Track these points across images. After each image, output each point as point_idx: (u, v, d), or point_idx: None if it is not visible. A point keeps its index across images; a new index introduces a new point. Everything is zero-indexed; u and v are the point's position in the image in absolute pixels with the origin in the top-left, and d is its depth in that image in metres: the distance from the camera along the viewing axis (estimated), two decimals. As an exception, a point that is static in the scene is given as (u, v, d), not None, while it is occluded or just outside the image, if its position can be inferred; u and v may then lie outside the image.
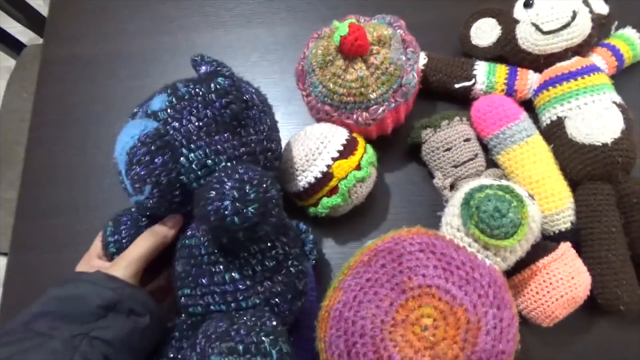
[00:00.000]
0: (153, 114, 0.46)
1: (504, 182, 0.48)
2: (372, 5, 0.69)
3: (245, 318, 0.42)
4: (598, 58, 0.62)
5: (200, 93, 0.46)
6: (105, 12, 0.80)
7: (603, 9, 0.62)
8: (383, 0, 0.74)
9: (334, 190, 0.56)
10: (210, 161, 0.45)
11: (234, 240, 0.43)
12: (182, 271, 0.47)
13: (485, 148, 0.62)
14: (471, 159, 0.59)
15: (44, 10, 0.92)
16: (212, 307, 0.45)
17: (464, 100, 0.65)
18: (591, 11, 0.59)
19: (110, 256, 0.50)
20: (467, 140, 0.60)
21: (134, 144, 0.43)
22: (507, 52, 0.63)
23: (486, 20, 0.66)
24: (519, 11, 0.61)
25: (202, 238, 0.47)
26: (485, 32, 0.65)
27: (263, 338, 0.39)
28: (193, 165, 0.45)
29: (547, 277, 0.51)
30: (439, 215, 0.51)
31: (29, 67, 1.05)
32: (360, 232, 0.62)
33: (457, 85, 0.64)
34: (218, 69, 0.48)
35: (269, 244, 0.46)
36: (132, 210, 0.52)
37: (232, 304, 0.45)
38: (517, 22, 0.61)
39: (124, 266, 0.45)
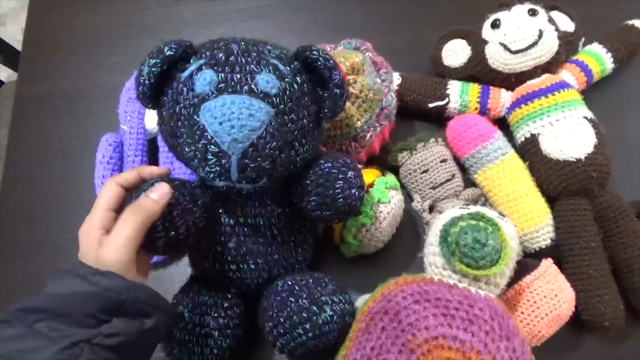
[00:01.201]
0: (265, 96, 0.43)
1: (472, 209, 0.48)
2: (342, 30, 0.70)
3: (307, 275, 0.51)
4: (567, 74, 0.63)
5: (306, 80, 0.46)
6: (81, 47, 0.79)
7: (569, 26, 0.63)
8: (352, 26, 0.75)
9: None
10: (309, 154, 0.48)
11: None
12: (245, 249, 0.50)
13: (463, 168, 0.62)
14: (449, 180, 0.60)
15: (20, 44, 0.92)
16: (274, 277, 0.52)
17: (439, 119, 0.66)
18: (557, 29, 0.60)
19: (157, 252, 0.46)
20: (443, 161, 0.60)
21: (262, 134, 0.41)
22: (478, 71, 0.64)
23: (456, 42, 0.67)
24: (487, 32, 0.62)
25: (272, 219, 0.51)
26: (456, 52, 0.66)
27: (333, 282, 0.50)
28: (298, 159, 0.46)
29: (531, 295, 0.51)
30: (420, 256, 0.51)
31: (8, 105, 1.04)
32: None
33: (431, 105, 0.65)
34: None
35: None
36: (179, 193, 0.46)
37: (289, 271, 0.53)
38: (486, 42, 0.62)
39: (114, 251, 0.40)
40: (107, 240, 0.41)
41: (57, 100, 0.75)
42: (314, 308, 0.46)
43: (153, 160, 0.66)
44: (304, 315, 0.46)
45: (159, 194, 0.44)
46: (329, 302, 0.47)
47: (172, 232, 0.44)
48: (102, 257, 0.40)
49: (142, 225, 0.42)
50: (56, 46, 0.80)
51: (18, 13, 1.53)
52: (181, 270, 0.62)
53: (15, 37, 1.04)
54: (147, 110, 0.67)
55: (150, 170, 0.49)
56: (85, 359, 0.36)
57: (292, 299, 0.47)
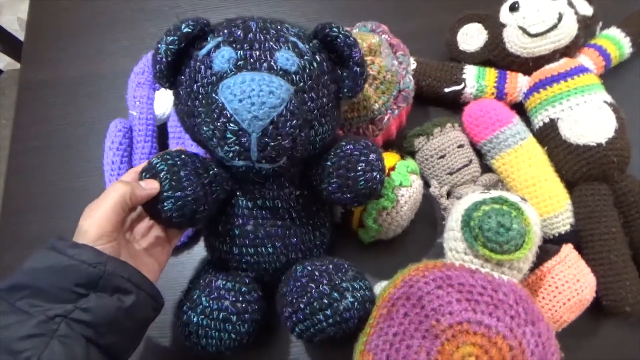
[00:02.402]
0: (285, 73, 0.42)
1: (494, 194, 0.47)
2: (355, 15, 0.68)
3: (327, 260, 0.50)
4: (585, 59, 0.62)
5: (325, 58, 0.45)
6: (84, 33, 0.78)
7: (587, 10, 0.63)
8: (366, 10, 0.74)
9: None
10: (329, 135, 0.48)
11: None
12: (263, 232, 0.49)
13: (479, 153, 0.61)
14: (466, 165, 0.59)
15: (20, 35, 0.90)
16: (291, 261, 0.51)
17: (454, 105, 0.65)
18: (576, 12, 0.59)
19: (166, 215, 0.44)
20: (460, 146, 0.59)
21: (282, 112, 0.40)
22: (495, 56, 0.63)
23: (472, 26, 0.65)
24: (505, 15, 0.61)
25: (291, 202, 0.50)
26: (472, 37, 0.65)
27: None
28: (317, 139, 0.46)
29: (552, 281, 0.50)
30: (438, 243, 0.51)
31: (8, 94, 1.03)
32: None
33: (446, 90, 0.64)
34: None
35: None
36: (189, 158, 0.46)
37: (307, 257, 0.52)
38: (503, 26, 0.61)
39: (90, 223, 0.40)
40: (86, 210, 0.42)
41: (62, 88, 0.74)
42: (335, 294, 0.45)
43: (163, 146, 0.65)
44: (325, 301, 0.45)
45: (149, 186, 0.44)
46: (350, 288, 0.46)
47: (179, 192, 0.43)
48: (81, 227, 0.40)
49: (121, 201, 0.41)
50: (60, 32, 0.78)
51: (14, 2, 1.50)
52: (194, 258, 0.61)
53: (11, 26, 1.01)
54: (156, 95, 0.65)
55: None
56: (62, 333, 0.36)
57: (313, 285, 0.46)
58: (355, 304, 0.46)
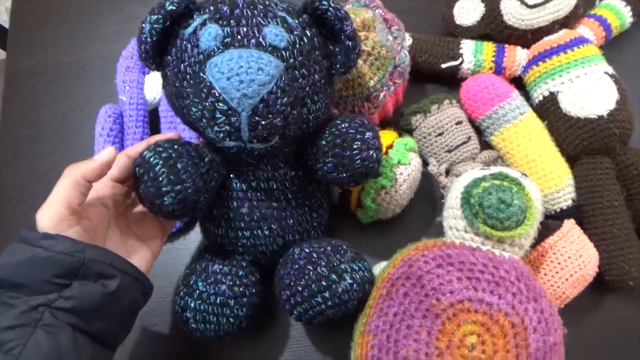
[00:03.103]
0: (274, 49, 0.41)
1: (494, 170, 0.46)
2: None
3: (325, 242, 0.48)
4: (585, 29, 0.60)
5: (316, 33, 0.44)
6: (71, 18, 0.76)
7: (587, -21, 0.61)
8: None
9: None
10: (322, 113, 0.46)
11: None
12: (258, 214, 0.48)
13: (478, 130, 0.60)
14: (464, 142, 0.58)
15: (7, 24, 0.88)
16: (289, 243, 0.50)
17: (452, 81, 0.64)
18: (576, -19, 0.58)
19: (167, 210, 0.43)
20: (458, 123, 0.58)
21: (272, 89, 0.39)
22: (492, 29, 0.61)
23: (469, -1, 0.64)
24: (502, -14, 0.59)
25: (286, 183, 0.49)
26: (468, 10, 0.63)
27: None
28: (311, 117, 0.45)
29: (555, 257, 0.49)
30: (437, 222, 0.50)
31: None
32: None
33: (444, 65, 0.62)
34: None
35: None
36: (183, 148, 0.44)
37: (304, 239, 0.51)
38: (501, -3, 0.59)
39: (43, 209, 0.39)
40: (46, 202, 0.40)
41: (50, 74, 0.73)
42: (333, 276, 0.45)
43: (155, 131, 0.64)
44: (323, 283, 0.44)
45: (100, 154, 0.41)
46: (349, 270, 0.45)
47: (178, 186, 0.42)
48: (37, 220, 0.38)
49: (74, 182, 0.40)
50: (46, 18, 0.77)
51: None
52: (190, 244, 0.61)
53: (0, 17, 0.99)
54: (146, 79, 0.64)
55: (157, 139, 0.47)
56: (46, 322, 0.35)
57: (310, 267, 0.45)
58: (354, 285, 0.45)
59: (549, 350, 0.40)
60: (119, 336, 0.41)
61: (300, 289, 0.45)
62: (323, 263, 0.45)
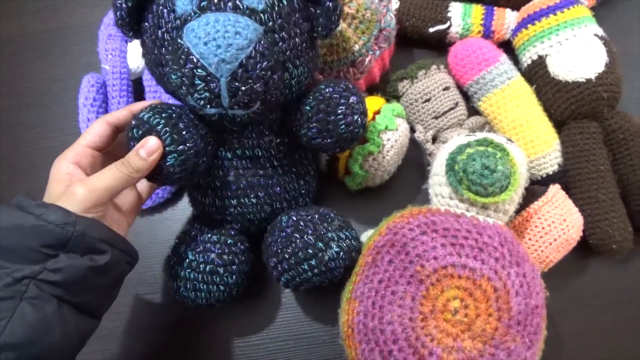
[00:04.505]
0: (252, 12, 0.40)
1: (479, 136, 0.46)
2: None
3: (312, 210, 0.49)
4: (577, -11, 0.59)
5: None
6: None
7: (579, -64, 0.59)
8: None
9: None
10: (305, 78, 0.45)
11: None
12: (245, 182, 0.48)
13: (466, 95, 0.59)
14: (452, 109, 0.57)
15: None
16: (277, 211, 0.50)
17: (440, 46, 0.62)
18: (567, -61, 0.56)
19: (168, 171, 0.42)
20: (446, 89, 0.57)
21: (251, 54, 0.38)
22: (481, -9, 0.60)
23: (458, -41, 0.62)
24: (491, -55, 0.57)
25: (271, 150, 0.49)
26: (457, -29, 0.62)
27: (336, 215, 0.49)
28: (293, 82, 0.44)
29: (539, 221, 0.50)
30: (425, 188, 0.50)
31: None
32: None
33: (431, 29, 0.61)
34: None
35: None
36: (180, 110, 0.44)
37: (292, 206, 0.51)
38: (490, -43, 0.57)
39: (88, 191, 0.39)
40: (87, 179, 0.40)
41: (30, 43, 0.71)
42: (320, 244, 0.45)
43: (139, 100, 0.63)
44: (310, 251, 0.45)
45: (147, 149, 0.41)
46: (335, 238, 0.46)
47: (181, 146, 0.42)
48: (74, 192, 0.39)
49: (125, 180, 0.41)
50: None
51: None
52: (177, 213, 0.61)
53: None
54: (129, 47, 0.62)
55: (142, 106, 0.46)
56: (31, 295, 0.35)
57: (297, 235, 0.45)
58: (341, 253, 0.45)
59: (530, 312, 0.41)
60: (104, 305, 0.42)
61: (287, 256, 0.45)
62: (310, 231, 0.46)
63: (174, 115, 0.42)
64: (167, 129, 0.41)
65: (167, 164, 0.42)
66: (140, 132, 0.42)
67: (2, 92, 0.68)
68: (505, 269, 0.42)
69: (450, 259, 0.42)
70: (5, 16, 0.73)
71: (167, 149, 0.41)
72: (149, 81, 0.62)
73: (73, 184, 0.39)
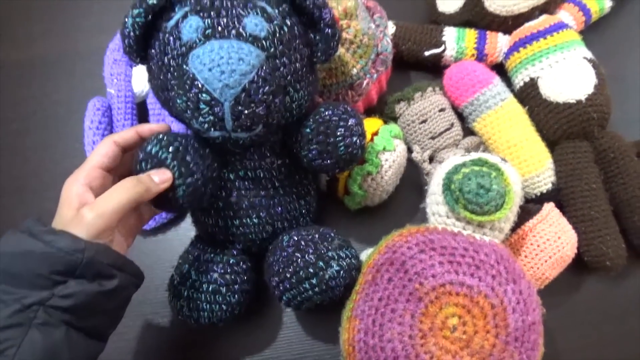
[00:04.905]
0: (255, 39, 0.41)
1: (474, 156, 0.47)
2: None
3: (313, 230, 0.50)
4: (565, 14, 0.61)
5: (296, 22, 0.44)
6: (58, 10, 0.76)
7: (567, -36, 0.61)
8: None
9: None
10: (305, 101, 0.47)
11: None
12: (247, 203, 0.49)
13: (461, 116, 0.61)
14: (448, 129, 0.59)
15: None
16: (278, 231, 0.51)
17: (435, 69, 0.64)
18: (555, -33, 0.58)
19: (177, 203, 0.44)
20: (442, 110, 0.59)
21: (254, 79, 0.40)
22: (474, 16, 0.62)
23: (451, -14, 0.64)
24: (483, -27, 0.60)
25: (273, 171, 0.50)
26: (451, -2, 0.64)
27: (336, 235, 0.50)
28: (294, 105, 0.45)
29: (534, 239, 0.51)
30: (423, 207, 0.51)
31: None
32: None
33: (427, 53, 0.63)
34: None
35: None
36: (186, 140, 0.45)
37: (293, 226, 0.52)
38: (482, -16, 0.60)
39: (96, 216, 0.39)
40: (95, 202, 0.40)
41: (37, 67, 0.73)
42: (321, 263, 0.46)
43: (143, 123, 0.64)
44: (311, 270, 0.46)
45: (161, 178, 0.42)
46: (335, 257, 0.47)
47: (189, 178, 0.43)
48: (84, 217, 0.39)
49: (134, 200, 0.41)
50: (32, 10, 0.76)
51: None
52: (180, 233, 0.62)
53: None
54: (134, 72, 0.64)
55: (149, 128, 0.48)
56: (41, 321, 0.35)
57: (298, 255, 0.47)
58: (341, 272, 0.46)
59: (527, 329, 0.42)
60: (111, 327, 0.42)
61: (288, 275, 0.46)
62: (311, 250, 0.47)
63: (180, 147, 0.44)
64: (175, 162, 0.43)
65: (177, 196, 0.43)
66: (148, 166, 0.43)
67: (8, 115, 0.70)
68: (502, 286, 0.43)
69: (448, 276, 0.43)
70: (12, 40, 0.75)
71: (175, 182, 0.43)
72: (153, 104, 0.64)
73: (83, 208, 0.40)
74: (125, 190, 0.41)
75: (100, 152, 0.44)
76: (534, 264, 0.51)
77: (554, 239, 0.51)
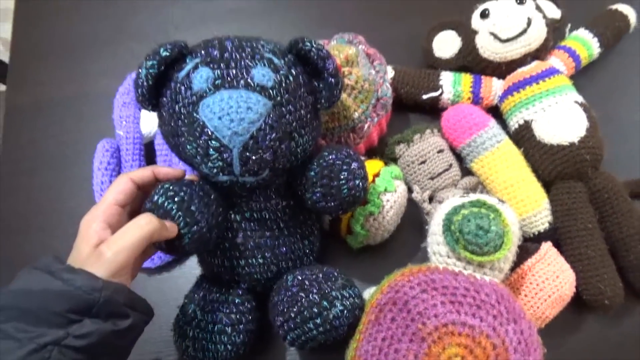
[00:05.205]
0: (262, 89, 0.43)
1: (473, 197, 0.49)
2: (331, 25, 0.70)
3: (317, 269, 0.51)
4: (556, 60, 0.64)
5: (301, 72, 0.47)
6: (70, 54, 0.78)
7: (556, 13, 0.65)
8: (343, 21, 0.76)
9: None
10: (310, 145, 0.49)
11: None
12: (252, 243, 0.50)
13: (459, 157, 0.63)
14: (446, 170, 0.61)
15: (4, 56, 0.90)
16: (282, 271, 0.52)
17: (434, 111, 0.67)
18: (544, 16, 0.61)
19: (184, 250, 0.45)
20: (440, 151, 0.61)
21: (261, 126, 0.41)
22: (469, 61, 0.65)
23: (447, 33, 0.67)
24: (476, 22, 0.63)
25: (278, 213, 0.52)
26: (446, 44, 0.67)
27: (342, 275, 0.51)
28: (299, 150, 0.47)
29: (533, 278, 0.52)
30: (424, 246, 0.53)
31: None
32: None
33: (424, 96, 0.65)
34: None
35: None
36: (191, 189, 0.46)
37: (297, 265, 0.53)
38: (475, 32, 0.63)
39: (115, 253, 0.39)
40: (112, 239, 0.41)
41: (48, 109, 0.75)
42: (325, 303, 0.47)
43: (150, 164, 0.66)
44: (315, 310, 0.46)
45: (172, 229, 0.44)
46: (339, 297, 0.48)
47: (194, 227, 0.45)
48: (103, 254, 0.39)
49: (150, 237, 0.42)
50: (44, 54, 0.79)
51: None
52: (186, 272, 0.62)
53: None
54: (142, 114, 0.66)
55: (165, 172, 0.49)
56: None
57: (303, 294, 0.47)
58: (345, 311, 0.47)
59: None
60: None
61: (293, 315, 0.47)
62: (315, 290, 0.48)
63: (186, 197, 0.45)
64: (180, 213, 0.44)
65: (183, 244, 0.45)
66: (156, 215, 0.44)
67: (18, 156, 0.72)
68: (503, 326, 0.44)
69: (450, 316, 0.44)
70: (23, 83, 0.77)
71: (181, 231, 0.44)
72: (160, 145, 0.66)
73: (101, 245, 0.40)
74: (140, 228, 0.41)
75: (117, 189, 0.45)
76: (534, 303, 0.52)
77: (553, 278, 0.52)
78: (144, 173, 0.48)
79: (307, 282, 0.49)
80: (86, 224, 0.43)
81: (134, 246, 0.41)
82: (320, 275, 0.50)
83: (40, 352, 0.35)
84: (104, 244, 0.40)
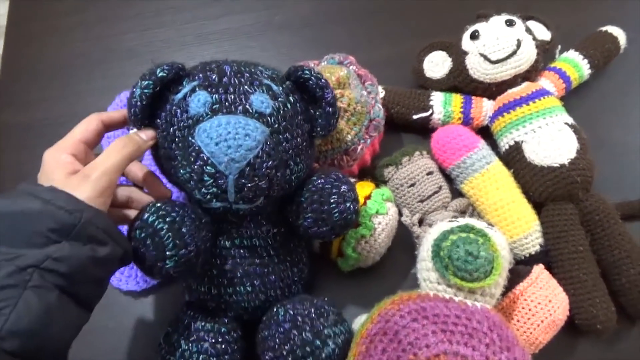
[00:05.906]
0: (260, 115, 0.43)
1: (461, 222, 0.49)
2: (323, 46, 0.70)
3: (308, 302, 0.50)
4: (546, 82, 0.64)
5: (298, 99, 0.47)
6: (60, 74, 0.78)
7: (545, 35, 0.65)
8: (334, 42, 0.76)
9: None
10: (304, 173, 0.49)
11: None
12: (241, 271, 0.49)
13: (449, 178, 0.63)
14: (436, 192, 0.60)
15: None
16: (270, 299, 0.51)
17: (424, 130, 0.66)
18: (534, 38, 0.62)
19: (167, 272, 0.43)
20: (429, 173, 0.61)
21: (259, 153, 0.41)
22: (460, 82, 0.65)
23: (437, 54, 0.67)
24: (466, 43, 0.63)
25: (268, 240, 0.51)
26: (437, 64, 0.67)
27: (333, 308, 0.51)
28: (293, 177, 0.47)
29: (525, 303, 0.51)
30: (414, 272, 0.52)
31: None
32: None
33: (415, 117, 0.65)
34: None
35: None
36: (183, 211, 0.45)
37: (286, 294, 0.52)
38: (466, 53, 0.63)
39: (101, 174, 0.40)
40: (95, 162, 0.41)
41: (38, 129, 0.74)
42: (318, 342, 0.46)
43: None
44: (307, 349, 0.46)
45: (148, 136, 0.45)
46: (332, 335, 0.47)
47: (183, 250, 0.43)
48: (89, 176, 0.40)
49: (129, 158, 0.42)
50: (35, 75, 0.79)
51: None
52: (170, 297, 0.61)
53: None
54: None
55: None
56: (35, 284, 0.35)
57: (295, 332, 0.46)
58: (337, 350, 0.47)
59: None
60: (96, 297, 0.41)
61: (285, 353, 0.46)
62: (307, 328, 0.47)
63: (177, 218, 0.44)
64: (170, 234, 0.43)
65: (167, 266, 0.43)
66: (143, 234, 0.43)
67: (10, 175, 0.71)
68: (497, 355, 0.43)
69: (442, 346, 0.43)
70: (17, 103, 0.77)
71: (167, 253, 0.42)
72: (148, 167, 0.65)
73: (85, 168, 0.40)
74: (119, 151, 0.42)
75: (85, 127, 0.45)
76: (527, 329, 0.51)
77: (545, 302, 0.51)
78: (115, 114, 0.48)
79: (299, 319, 0.48)
80: (52, 155, 0.43)
81: (116, 168, 0.41)
82: (313, 310, 0.49)
83: (20, 274, 0.34)
84: (88, 167, 0.41)
